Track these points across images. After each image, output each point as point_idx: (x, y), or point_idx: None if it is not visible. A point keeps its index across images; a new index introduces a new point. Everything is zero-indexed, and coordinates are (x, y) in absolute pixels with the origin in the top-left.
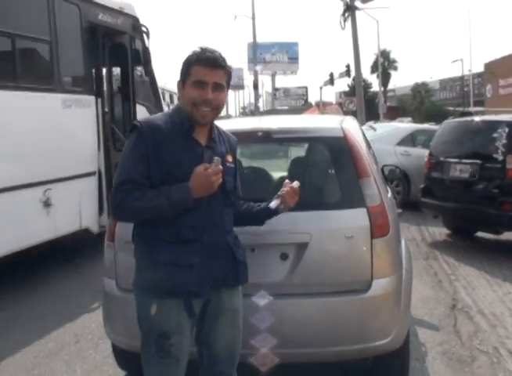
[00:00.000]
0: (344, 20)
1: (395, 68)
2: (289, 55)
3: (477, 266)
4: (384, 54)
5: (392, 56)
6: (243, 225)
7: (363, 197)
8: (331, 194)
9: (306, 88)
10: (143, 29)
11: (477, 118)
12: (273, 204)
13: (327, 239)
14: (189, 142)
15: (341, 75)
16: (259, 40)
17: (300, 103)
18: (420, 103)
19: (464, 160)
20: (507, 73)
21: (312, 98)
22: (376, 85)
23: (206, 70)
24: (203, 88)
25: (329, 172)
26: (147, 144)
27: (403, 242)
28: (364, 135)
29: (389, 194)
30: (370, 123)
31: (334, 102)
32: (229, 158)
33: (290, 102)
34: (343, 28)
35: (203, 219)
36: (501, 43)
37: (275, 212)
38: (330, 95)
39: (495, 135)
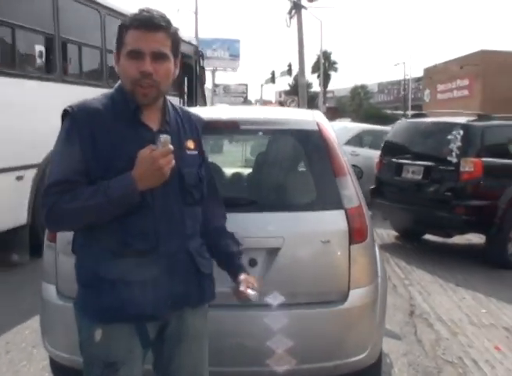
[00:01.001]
0: (290, 18)
1: (335, 70)
2: (230, 52)
3: (429, 270)
4: (325, 55)
5: (333, 57)
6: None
7: (340, 198)
8: (305, 194)
9: (246, 85)
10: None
11: (430, 120)
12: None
13: (301, 244)
14: (136, 128)
15: (283, 74)
16: (201, 35)
17: (239, 100)
18: (359, 105)
19: (417, 162)
20: (445, 78)
21: (252, 96)
22: (316, 86)
23: (140, 34)
24: (139, 59)
25: (302, 169)
26: (82, 133)
27: (376, 247)
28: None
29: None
30: None
31: (274, 100)
32: (190, 144)
33: (230, 99)
34: (288, 26)
35: (156, 223)
36: (441, 49)
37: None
38: (270, 93)
39: (449, 137)
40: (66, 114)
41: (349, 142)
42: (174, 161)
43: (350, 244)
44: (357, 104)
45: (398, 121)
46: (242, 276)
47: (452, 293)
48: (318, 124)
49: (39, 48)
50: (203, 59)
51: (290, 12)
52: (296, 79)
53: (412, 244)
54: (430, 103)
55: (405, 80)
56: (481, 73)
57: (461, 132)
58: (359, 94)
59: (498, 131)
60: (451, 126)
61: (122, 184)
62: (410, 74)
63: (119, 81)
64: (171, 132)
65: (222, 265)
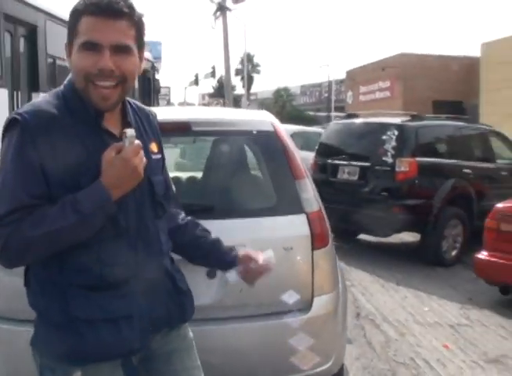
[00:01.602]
0: (215, 19)
1: (258, 72)
2: (152, 54)
3: (369, 270)
4: (248, 57)
5: (255, 60)
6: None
7: (301, 202)
8: (264, 198)
9: (169, 88)
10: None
11: (364, 120)
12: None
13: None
14: (99, 136)
15: (207, 76)
16: None
17: (162, 103)
18: (282, 107)
19: (353, 163)
20: (367, 80)
21: (175, 99)
22: (239, 88)
23: (98, 21)
24: (96, 52)
25: (258, 172)
26: (36, 144)
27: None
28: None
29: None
30: None
31: (197, 103)
32: (154, 147)
33: None
34: (213, 27)
35: (134, 246)
36: (362, 52)
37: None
38: (194, 96)
39: (384, 137)
40: (13, 124)
41: None
42: (144, 159)
43: (313, 249)
44: (280, 106)
45: (332, 122)
46: (242, 252)
47: (394, 292)
48: (273, 125)
49: None
50: (157, 73)
51: (215, 14)
52: (220, 81)
53: (348, 245)
54: (352, 104)
55: (329, 82)
56: (402, 75)
57: (396, 133)
58: (282, 96)
59: (431, 131)
60: (386, 126)
61: (93, 196)
62: (332, 76)
63: (68, 77)
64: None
65: (207, 259)
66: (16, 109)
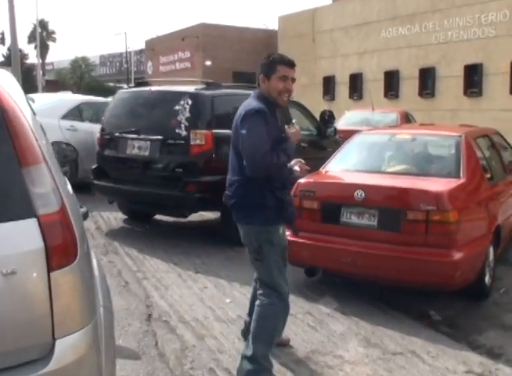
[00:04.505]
0: None
1: (54, 40)
2: None
3: (164, 258)
4: (42, 24)
5: (51, 27)
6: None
7: (30, 200)
8: None
9: None
10: None
11: (156, 88)
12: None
13: None
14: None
15: None
16: None
17: None
18: (80, 78)
19: (143, 136)
20: (167, 50)
21: None
22: (33, 57)
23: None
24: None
25: None
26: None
27: (95, 261)
28: (27, 100)
29: (69, 188)
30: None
31: None
32: None
33: None
34: None
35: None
36: (162, 21)
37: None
38: None
39: (177, 107)
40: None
41: (67, 116)
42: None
43: (49, 270)
44: (78, 77)
45: (120, 91)
46: (293, 161)
47: (193, 282)
48: None
49: None
50: None
51: None
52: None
53: (143, 227)
54: (153, 75)
55: (126, 52)
56: (202, 45)
57: (189, 102)
58: (81, 66)
59: (229, 100)
60: (178, 95)
61: (291, 146)
62: (132, 46)
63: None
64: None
65: None
66: None
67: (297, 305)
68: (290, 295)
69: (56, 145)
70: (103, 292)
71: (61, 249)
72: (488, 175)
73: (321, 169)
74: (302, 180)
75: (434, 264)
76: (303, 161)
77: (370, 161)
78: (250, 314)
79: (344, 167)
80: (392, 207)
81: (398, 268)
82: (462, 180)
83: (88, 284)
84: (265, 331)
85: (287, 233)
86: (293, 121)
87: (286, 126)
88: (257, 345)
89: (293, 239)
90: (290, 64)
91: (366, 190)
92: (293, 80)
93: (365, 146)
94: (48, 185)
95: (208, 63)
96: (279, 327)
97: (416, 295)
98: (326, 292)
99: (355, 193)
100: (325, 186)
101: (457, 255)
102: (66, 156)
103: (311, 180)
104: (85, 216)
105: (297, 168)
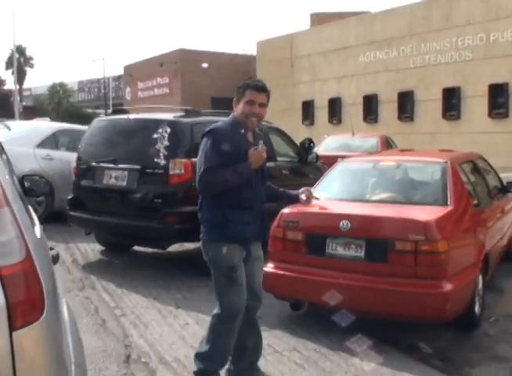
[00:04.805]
0: None
1: (32, 66)
2: None
3: (143, 292)
4: (20, 50)
5: (28, 52)
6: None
7: None
8: None
9: None
10: None
11: (133, 116)
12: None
13: None
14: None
15: None
16: None
17: None
18: (58, 104)
19: (121, 166)
20: (145, 76)
21: None
22: (10, 83)
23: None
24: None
25: None
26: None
27: (65, 309)
28: None
29: (37, 230)
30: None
31: None
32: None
33: None
34: None
35: (253, 194)
36: (141, 47)
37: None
38: None
39: (155, 136)
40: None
41: (42, 145)
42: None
43: (12, 330)
44: (56, 103)
45: (96, 119)
46: (302, 189)
47: (173, 319)
48: None
49: None
50: None
51: None
52: None
53: (121, 259)
54: (131, 100)
55: (104, 78)
56: (180, 71)
57: (168, 130)
58: (58, 92)
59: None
60: (157, 123)
61: (245, 166)
62: (110, 72)
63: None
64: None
65: (279, 199)
66: None
67: (283, 340)
68: (276, 330)
69: (28, 178)
70: (75, 346)
71: (25, 305)
72: (475, 201)
73: None
74: (285, 210)
75: (424, 296)
76: (309, 190)
77: (354, 190)
78: (233, 360)
79: (327, 195)
80: (379, 237)
81: (386, 301)
82: (449, 208)
83: (56, 341)
84: (206, 345)
85: (270, 264)
86: (260, 142)
87: (252, 148)
88: (196, 361)
89: (278, 271)
90: (258, 89)
91: (352, 220)
92: (262, 105)
93: (348, 174)
94: (11, 232)
95: (205, 65)
96: (220, 344)
97: (404, 326)
98: (313, 326)
99: (341, 224)
100: (309, 216)
101: (448, 286)
102: (39, 188)
103: (295, 210)
104: (55, 260)
105: (303, 196)
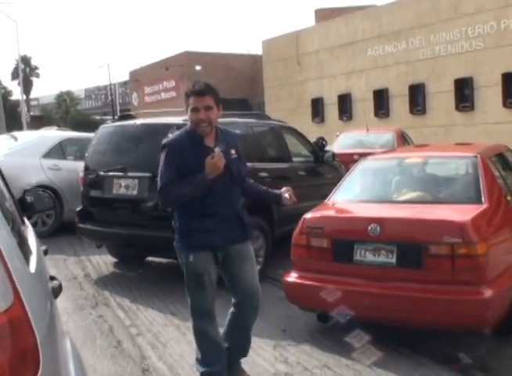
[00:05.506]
0: None
1: (37, 75)
2: None
3: (160, 307)
4: (25, 60)
5: (34, 62)
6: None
7: None
8: None
9: None
10: None
11: (141, 121)
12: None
13: None
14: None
15: None
16: None
17: None
18: (66, 112)
19: (130, 174)
20: (152, 80)
21: None
22: (17, 93)
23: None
24: None
25: None
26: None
27: (69, 344)
28: None
29: (33, 260)
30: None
31: None
32: (233, 152)
33: None
34: None
35: (217, 199)
36: (146, 51)
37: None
38: None
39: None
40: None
41: (49, 155)
42: (225, 160)
43: None
44: (64, 111)
45: (102, 126)
46: (283, 189)
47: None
48: None
49: None
50: None
51: None
52: None
53: (135, 271)
54: (138, 106)
55: (110, 83)
56: (186, 73)
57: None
58: (66, 101)
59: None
60: (166, 127)
61: (201, 178)
62: (116, 78)
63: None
64: (221, 146)
65: (263, 198)
66: None
67: (312, 357)
68: (304, 345)
69: (31, 193)
70: None
71: (15, 365)
72: (509, 198)
73: (327, 201)
74: (308, 215)
75: (463, 303)
76: (290, 189)
77: (379, 190)
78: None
79: (351, 197)
80: (412, 241)
81: (421, 310)
82: (484, 206)
83: None
84: (197, 350)
85: (294, 274)
86: (216, 149)
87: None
88: (196, 364)
89: (302, 281)
90: (199, 94)
91: (381, 224)
92: (208, 107)
93: (371, 174)
94: None
95: (198, 67)
96: (201, 344)
97: (437, 335)
98: (343, 339)
99: (369, 228)
100: (334, 220)
101: (488, 292)
102: (43, 204)
103: (319, 215)
104: (57, 292)
105: (286, 195)
